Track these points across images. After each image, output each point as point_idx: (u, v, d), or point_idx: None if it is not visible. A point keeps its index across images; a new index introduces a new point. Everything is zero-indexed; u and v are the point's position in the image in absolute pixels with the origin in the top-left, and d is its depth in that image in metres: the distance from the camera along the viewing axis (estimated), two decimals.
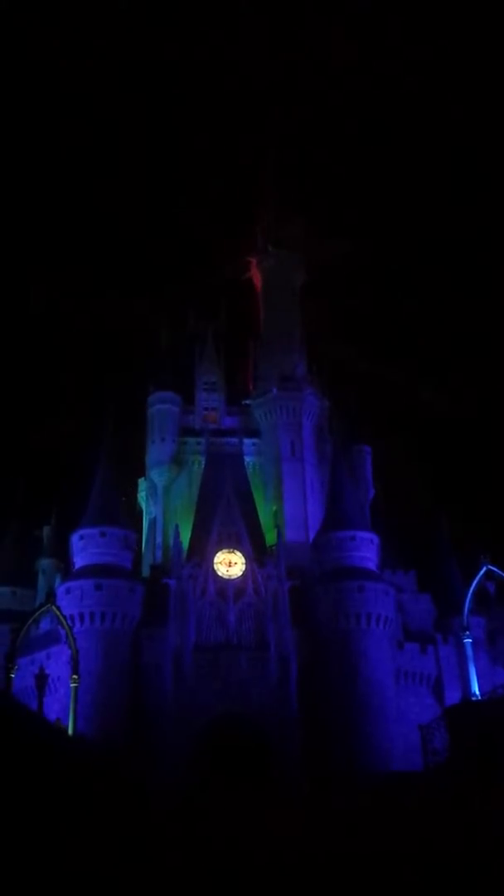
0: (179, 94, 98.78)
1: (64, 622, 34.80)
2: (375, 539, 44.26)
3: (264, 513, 48.14)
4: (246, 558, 41.84)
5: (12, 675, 32.50)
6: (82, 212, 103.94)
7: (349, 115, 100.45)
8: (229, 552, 42.06)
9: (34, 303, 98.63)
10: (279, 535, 44.00)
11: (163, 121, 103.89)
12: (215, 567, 41.50)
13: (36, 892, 16.82)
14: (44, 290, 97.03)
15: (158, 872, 19.23)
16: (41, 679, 31.09)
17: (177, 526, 43.83)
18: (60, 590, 40.41)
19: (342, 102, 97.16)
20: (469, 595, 37.20)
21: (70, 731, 31.63)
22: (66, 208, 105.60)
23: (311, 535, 46.72)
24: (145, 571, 46.98)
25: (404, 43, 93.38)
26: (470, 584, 37.46)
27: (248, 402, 53.93)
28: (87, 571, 41.30)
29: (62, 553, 46.04)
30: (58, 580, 43.96)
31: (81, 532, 42.62)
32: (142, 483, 53.17)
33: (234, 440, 50.85)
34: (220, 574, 41.35)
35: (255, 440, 52.47)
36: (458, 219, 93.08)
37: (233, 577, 41.30)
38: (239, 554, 42.00)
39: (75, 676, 32.95)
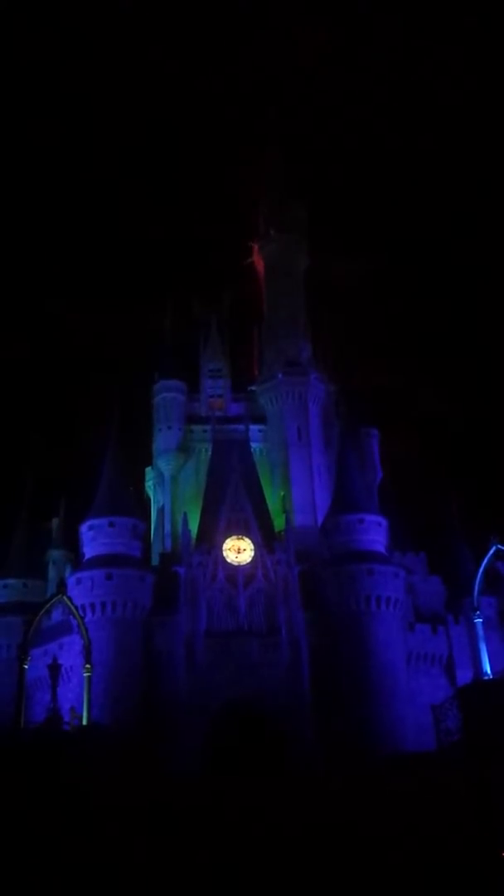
0: (180, 77, 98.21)
1: (75, 612, 34.93)
2: (384, 521, 44.21)
3: (272, 498, 48.11)
4: (255, 544, 41.88)
5: (26, 666, 32.75)
6: (83, 200, 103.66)
7: (352, 98, 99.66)
8: (238, 538, 42.09)
9: (37, 294, 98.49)
10: (287, 520, 44.02)
11: (163, 105, 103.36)
12: (224, 554, 41.56)
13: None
14: (46, 280, 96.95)
15: (175, 852, 19.36)
16: (54, 669, 31.21)
17: (185, 514, 43.87)
18: (71, 580, 40.55)
19: (345, 86, 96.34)
20: (479, 575, 37.27)
21: (84, 720, 31.86)
22: (65, 197, 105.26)
23: (320, 520, 46.64)
24: (155, 560, 47.11)
25: (404, 34, 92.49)
26: (480, 565, 37.53)
27: (253, 388, 53.79)
28: (97, 561, 41.46)
29: (72, 544, 46.16)
30: (68, 571, 44.07)
31: (90, 522, 42.74)
32: (149, 472, 53.17)
33: (241, 427, 50.77)
34: (229, 560, 41.41)
35: (261, 426, 52.34)
36: (462, 207, 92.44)
37: (242, 564, 41.37)
38: (248, 540, 42.02)
39: (88, 666, 33.10)
